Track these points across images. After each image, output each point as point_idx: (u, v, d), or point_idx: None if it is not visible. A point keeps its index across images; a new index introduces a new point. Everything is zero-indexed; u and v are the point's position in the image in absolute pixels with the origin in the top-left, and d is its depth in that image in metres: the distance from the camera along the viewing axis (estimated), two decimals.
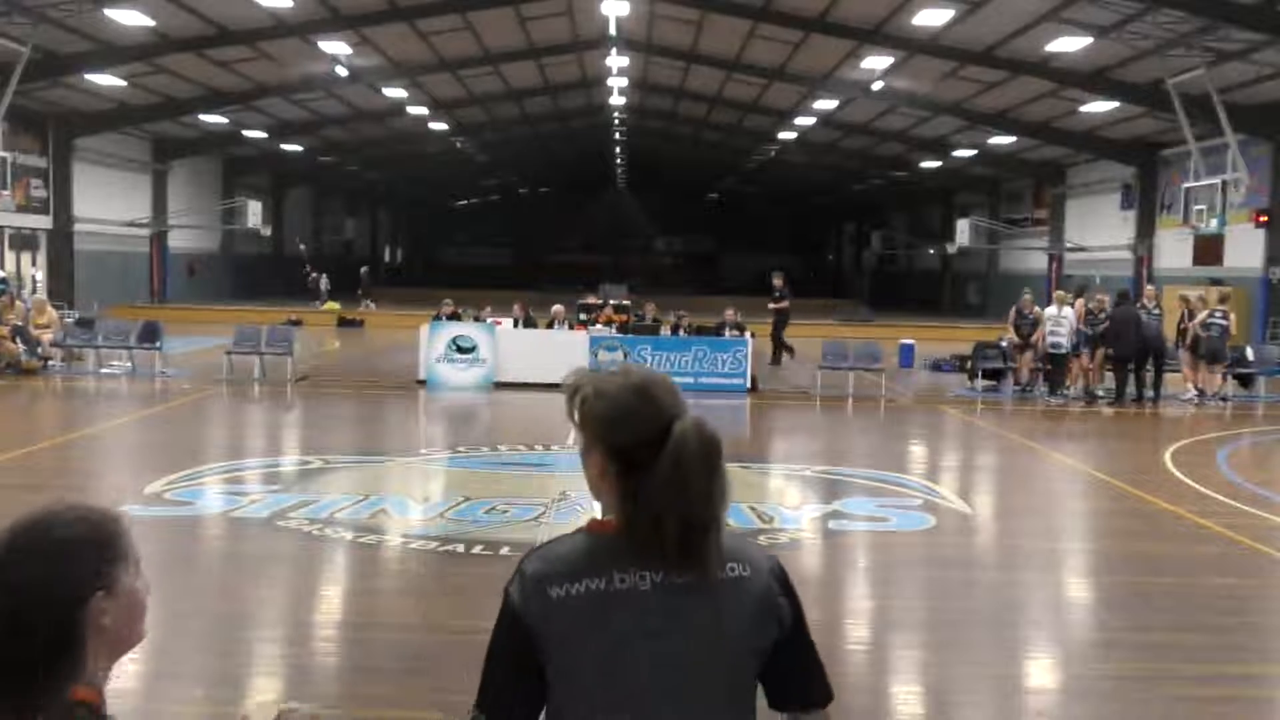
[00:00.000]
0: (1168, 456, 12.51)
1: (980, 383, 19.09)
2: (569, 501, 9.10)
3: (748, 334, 19.35)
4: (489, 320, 19.53)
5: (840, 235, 71.53)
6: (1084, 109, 28.61)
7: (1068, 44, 23.03)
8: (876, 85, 29.78)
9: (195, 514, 8.75)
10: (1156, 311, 18.51)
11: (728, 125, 43.19)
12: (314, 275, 40.47)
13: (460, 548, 7.79)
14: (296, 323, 27.19)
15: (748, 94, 35.79)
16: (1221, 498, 10.19)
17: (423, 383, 17.83)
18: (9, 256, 29.82)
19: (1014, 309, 19.16)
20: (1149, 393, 17.54)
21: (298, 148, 41.20)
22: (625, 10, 26.40)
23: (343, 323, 33.40)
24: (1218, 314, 17.95)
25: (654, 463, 1.80)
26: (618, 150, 55.20)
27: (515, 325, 19.56)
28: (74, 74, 26.76)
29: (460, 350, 17.95)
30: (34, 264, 31.35)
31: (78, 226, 32.09)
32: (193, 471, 10.22)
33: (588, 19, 28.61)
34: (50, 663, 1.57)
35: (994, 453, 13.35)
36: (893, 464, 11.76)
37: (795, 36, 27.04)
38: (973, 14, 22.43)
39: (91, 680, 1.62)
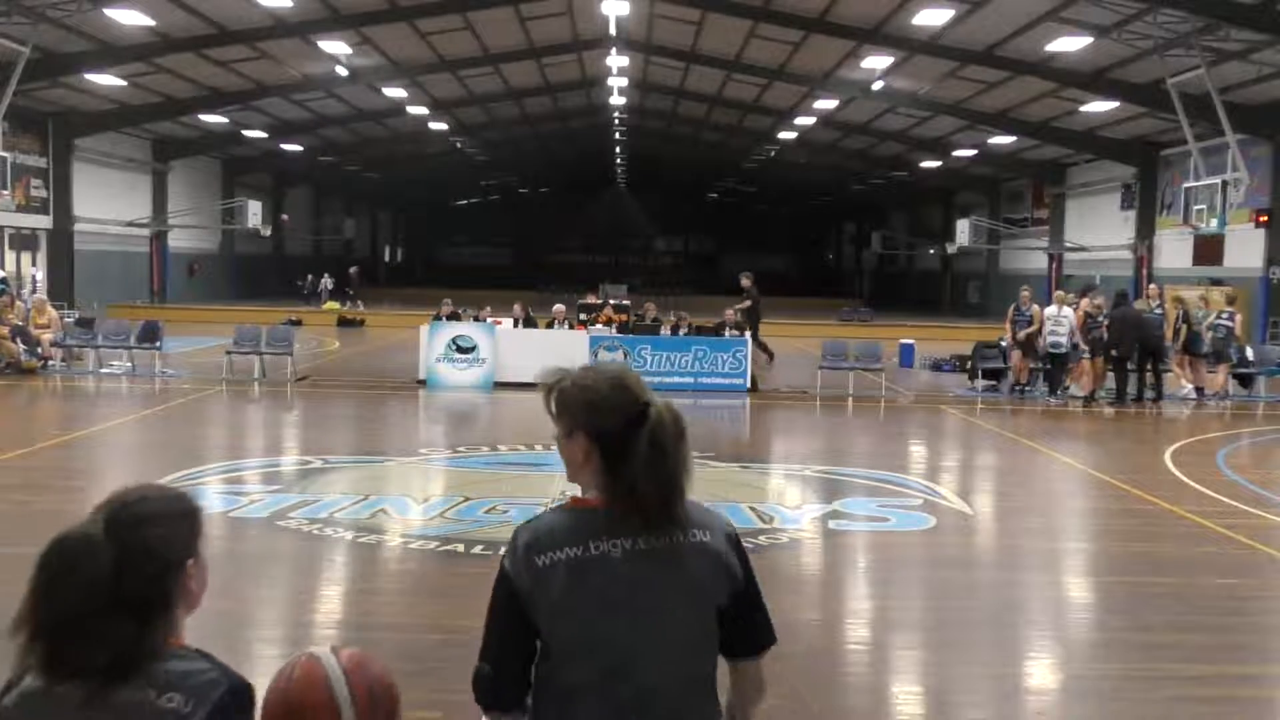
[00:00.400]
0: (1168, 456, 12.51)
1: (980, 383, 19.09)
2: None
3: (747, 334, 19.40)
4: (489, 320, 19.54)
5: (840, 235, 71.57)
6: (1084, 109, 28.62)
7: (1068, 44, 23.04)
8: (876, 85, 29.79)
9: None
10: (1159, 310, 18.54)
11: (728, 125, 43.17)
12: (311, 280, 40.58)
13: (460, 548, 7.79)
14: (296, 323, 27.24)
15: (748, 94, 35.79)
16: (1221, 497, 10.18)
17: (423, 382, 17.83)
18: (9, 256, 29.83)
19: (1013, 306, 19.15)
20: (1149, 393, 17.56)
21: (298, 147, 41.20)
22: (625, 10, 26.40)
23: (343, 323, 33.42)
24: (1224, 315, 18.00)
25: (633, 441, 2.08)
26: (618, 150, 55.17)
27: (515, 325, 19.58)
28: (74, 74, 26.78)
29: (460, 350, 17.96)
30: (34, 264, 31.34)
31: (78, 226, 32.10)
32: (193, 471, 10.22)
33: (588, 19, 28.61)
34: (155, 616, 1.78)
35: (994, 452, 13.33)
36: (893, 464, 11.75)
37: (795, 36, 27.04)
38: (973, 14, 22.44)
39: (179, 634, 1.85)
